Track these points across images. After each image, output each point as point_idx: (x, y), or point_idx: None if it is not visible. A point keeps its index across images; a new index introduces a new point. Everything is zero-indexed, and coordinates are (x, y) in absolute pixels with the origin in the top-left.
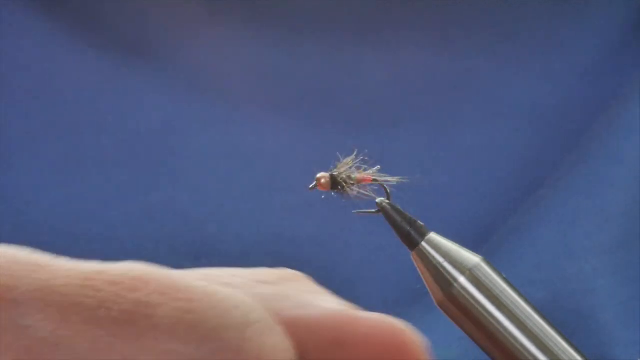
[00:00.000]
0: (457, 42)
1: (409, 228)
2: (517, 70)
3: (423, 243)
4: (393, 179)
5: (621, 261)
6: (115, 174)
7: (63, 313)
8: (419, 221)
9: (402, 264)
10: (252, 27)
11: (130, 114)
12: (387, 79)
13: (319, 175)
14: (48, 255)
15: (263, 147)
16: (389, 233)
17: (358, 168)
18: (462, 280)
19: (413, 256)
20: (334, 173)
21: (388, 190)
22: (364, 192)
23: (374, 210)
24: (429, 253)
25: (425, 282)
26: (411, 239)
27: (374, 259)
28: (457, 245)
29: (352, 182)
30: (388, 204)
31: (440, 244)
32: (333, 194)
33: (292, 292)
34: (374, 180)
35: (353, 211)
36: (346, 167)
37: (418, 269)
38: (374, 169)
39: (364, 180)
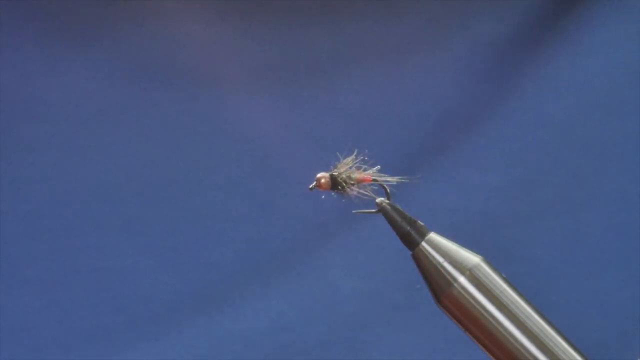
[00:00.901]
0: None
1: (409, 228)
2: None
3: (423, 243)
4: (393, 179)
5: None
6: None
7: None
8: (419, 221)
9: None
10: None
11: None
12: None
13: (319, 175)
14: None
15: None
16: None
17: (358, 168)
18: (462, 280)
19: (413, 256)
20: (334, 173)
21: (388, 190)
22: (364, 192)
23: (374, 210)
24: (429, 253)
25: (425, 282)
26: (411, 239)
27: None
28: (457, 245)
29: (352, 182)
30: (388, 204)
31: (440, 244)
32: (333, 194)
33: None
34: (374, 180)
35: (353, 211)
36: (346, 167)
37: (418, 269)
38: (374, 169)
39: (364, 180)
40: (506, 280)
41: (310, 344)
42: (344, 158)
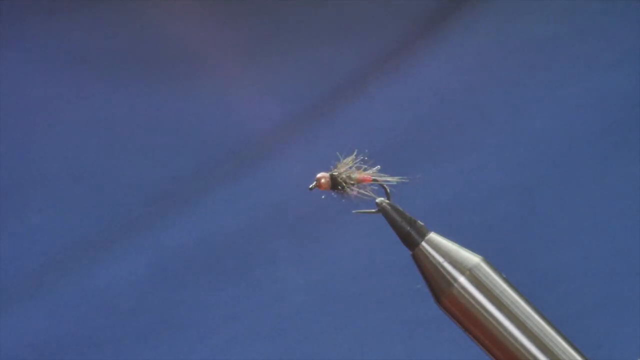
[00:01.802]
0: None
1: (408, 228)
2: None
3: (423, 243)
4: (393, 179)
5: None
6: None
7: None
8: (419, 221)
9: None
10: None
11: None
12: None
13: (319, 175)
14: None
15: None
16: None
17: (358, 168)
18: (462, 280)
19: (413, 256)
20: (334, 173)
21: (388, 190)
22: (364, 192)
23: (374, 210)
24: (429, 253)
25: (425, 282)
26: (411, 239)
27: None
28: (457, 245)
29: (352, 182)
30: (388, 204)
31: (440, 244)
32: (333, 194)
33: None
34: (374, 180)
35: (353, 211)
36: (346, 167)
37: (418, 269)
38: (374, 169)
39: (364, 180)
40: (506, 280)
41: (263, 336)
42: (344, 158)
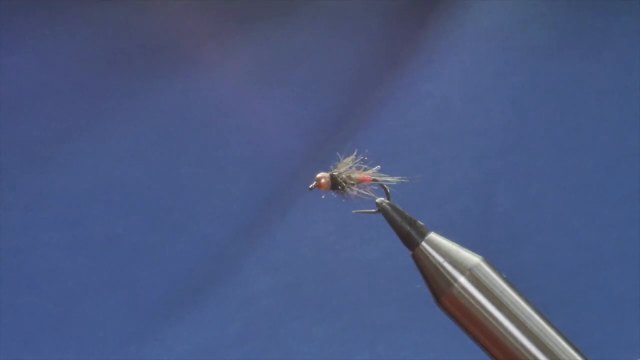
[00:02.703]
0: None
1: (409, 228)
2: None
3: (423, 243)
4: (393, 179)
5: None
6: None
7: None
8: (419, 221)
9: None
10: None
11: None
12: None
13: (319, 175)
14: None
15: None
16: None
17: (358, 168)
18: (462, 280)
19: (413, 256)
20: (334, 173)
21: (388, 190)
22: (364, 192)
23: (374, 210)
24: (429, 253)
25: (425, 282)
26: (411, 239)
27: None
28: (457, 245)
29: (352, 182)
30: (388, 204)
31: (440, 244)
32: (333, 194)
33: None
34: (374, 180)
35: (353, 211)
36: (346, 167)
37: (418, 269)
38: (374, 169)
39: (364, 180)
40: (506, 280)
41: (229, 341)
42: (344, 158)
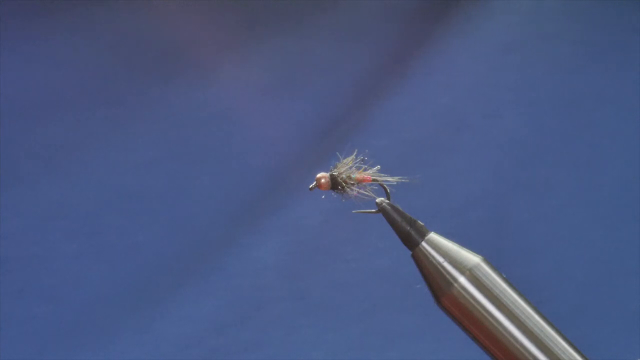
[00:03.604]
0: None
1: (408, 228)
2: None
3: (423, 243)
4: (393, 179)
5: None
6: None
7: None
8: (419, 221)
9: None
10: None
11: None
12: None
13: (319, 175)
14: None
15: None
16: None
17: (358, 168)
18: (462, 280)
19: (413, 256)
20: (334, 173)
21: (388, 190)
22: (364, 192)
23: (374, 210)
24: (429, 253)
25: (425, 282)
26: (411, 239)
27: None
28: (457, 245)
29: (352, 182)
30: (388, 204)
31: (440, 244)
32: (333, 194)
33: None
34: (374, 180)
35: (353, 211)
36: (346, 167)
37: (418, 269)
38: (374, 169)
39: (364, 180)
40: (506, 280)
41: (240, 347)
42: (344, 158)
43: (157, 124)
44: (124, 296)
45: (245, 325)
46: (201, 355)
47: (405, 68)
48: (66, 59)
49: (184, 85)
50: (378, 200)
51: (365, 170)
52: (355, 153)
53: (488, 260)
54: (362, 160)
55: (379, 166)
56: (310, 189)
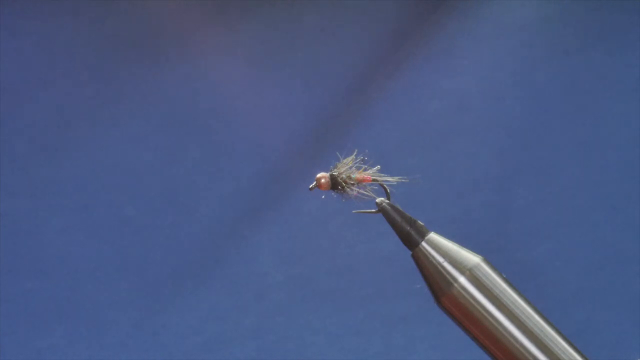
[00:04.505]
0: None
1: (408, 228)
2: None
3: (423, 243)
4: (393, 179)
5: None
6: None
7: None
8: (419, 221)
9: None
10: None
11: None
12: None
13: (319, 175)
14: None
15: None
16: None
17: (358, 168)
18: (462, 280)
19: (413, 256)
20: (334, 173)
21: (388, 190)
22: (364, 192)
23: (374, 210)
24: (429, 253)
25: (425, 282)
26: (411, 239)
27: None
28: (457, 245)
29: (352, 182)
30: (388, 204)
31: (440, 244)
32: (333, 194)
33: None
34: (374, 180)
35: (353, 211)
36: (346, 167)
37: (418, 269)
38: (374, 169)
39: (364, 180)
40: (506, 280)
41: (243, 332)
42: (344, 158)
43: (145, 100)
44: (118, 279)
45: (247, 312)
46: (202, 343)
47: (405, 51)
48: (53, 37)
49: (172, 62)
50: (378, 200)
51: (365, 170)
52: (355, 153)
53: (488, 259)
54: (362, 160)
55: (379, 166)
56: (310, 189)
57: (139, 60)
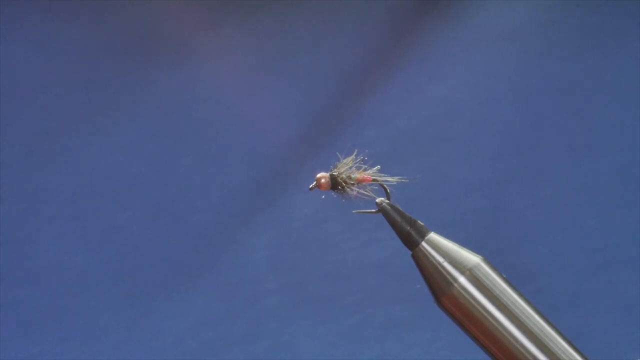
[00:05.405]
0: None
1: (408, 228)
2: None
3: (423, 243)
4: (393, 179)
5: None
6: None
7: None
8: (419, 221)
9: None
10: None
11: None
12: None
13: (318, 175)
14: None
15: None
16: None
17: (358, 168)
18: (462, 280)
19: (413, 256)
20: (334, 173)
21: (388, 190)
22: (364, 192)
23: (374, 210)
24: (429, 253)
25: (425, 282)
26: (411, 239)
27: None
28: (457, 245)
29: (352, 182)
30: (388, 204)
31: (440, 244)
32: (333, 194)
33: None
34: (374, 180)
35: (353, 211)
36: (346, 167)
37: (418, 269)
38: (374, 169)
39: (364, 180)
40: (506, 280)
41: (236, 339)
42: (344, 158)
43: (138, 107)
44: (110, 286)
45: (239, 318)
46: (194, 349)
47: (399, 56)
48: (45, 45)
49: (165, 68)
50: (378, 200)
51: (365, 170)
52: (355, 153)
53: (488, 259)
54: (362, 160)
55: (379, 166)
56: (310, 189)
57: (131, 67)
